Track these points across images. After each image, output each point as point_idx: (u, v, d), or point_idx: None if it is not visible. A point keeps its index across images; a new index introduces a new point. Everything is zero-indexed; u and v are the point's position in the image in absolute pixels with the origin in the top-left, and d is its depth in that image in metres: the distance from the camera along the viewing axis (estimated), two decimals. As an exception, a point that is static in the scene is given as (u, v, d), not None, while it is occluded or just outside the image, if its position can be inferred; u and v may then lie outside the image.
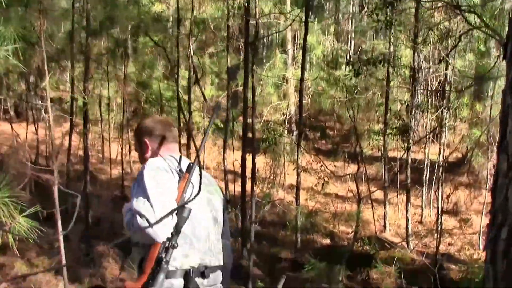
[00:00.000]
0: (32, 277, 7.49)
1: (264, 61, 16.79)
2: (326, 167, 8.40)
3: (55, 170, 6.57)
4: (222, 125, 14.02)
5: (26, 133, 13.67)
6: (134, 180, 2.86)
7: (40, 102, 15.28)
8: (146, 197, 2.68)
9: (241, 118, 11.73)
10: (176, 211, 2.65)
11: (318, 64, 14.94)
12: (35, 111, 14.22)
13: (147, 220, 2.59)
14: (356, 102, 10.64)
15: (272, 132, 8.90)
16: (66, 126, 13.62)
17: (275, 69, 14.92)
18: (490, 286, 3.29)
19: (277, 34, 16.27)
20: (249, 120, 8.37)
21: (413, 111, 10.60)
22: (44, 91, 11.50)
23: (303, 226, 9.91)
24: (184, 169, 2.86)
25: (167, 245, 2.61)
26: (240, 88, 16.99)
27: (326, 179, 8.33)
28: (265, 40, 24.98)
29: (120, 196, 12.25)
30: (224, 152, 12.69)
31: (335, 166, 8.93)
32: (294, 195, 9.98)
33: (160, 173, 2.80)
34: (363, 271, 8.43)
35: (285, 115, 14.59)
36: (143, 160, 3.04)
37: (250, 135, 8.82)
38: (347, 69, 11.44)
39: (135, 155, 14.79)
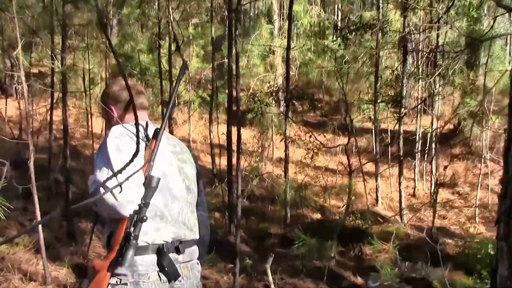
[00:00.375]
0: (11, 256, 7.23)
1: (250, 32, 16.34)
2: (316, 138, 8.00)
3: (30, 144, 6.14)
4: (208, 98, 13.70)
5: (6, 108, 13.27)
6: (98, 150, 2.65)
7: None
8: (110, 167, 2.47)
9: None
10: (143, 182, 2.49)
11: (305, 33, 14.54)
12: (19, 87, 13.91)
13: (111, 192, 2.36)
14: (344, 72, 10.24)
15: (258, 103, 8.48)
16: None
17: (261, 39, 14.50)
18: (505, 264, 2.90)
19: (263, 2, 15.86)
20: (234, 92, 7.98)
21: (404, 80, 10.22)
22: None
23: (293, 200, 9.61)
24: (151, 136, 2.67)
25: (135, 218, 2.45)
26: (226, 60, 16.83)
27: (315, 150, 7.96)
28: (251, 13, 24.61)
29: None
30: (210, 125, 12.36)
31: (324, 137, 8.55)
32: (283, 169, 9.65)
33: (124, 140, 2.58)
34: (355, 246, 8.13)
35: (272, 87, 14.22)
36: (109, 127, 2.77)
37: (235, 107, 8.49)
38: (335, 36, 11.04)
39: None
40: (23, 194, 7.76)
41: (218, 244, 7.57)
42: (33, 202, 6.09)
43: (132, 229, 2.44)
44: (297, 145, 8.93)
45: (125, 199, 2.40)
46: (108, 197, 2.39)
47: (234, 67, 7.76)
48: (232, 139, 8.90)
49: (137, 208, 2.45)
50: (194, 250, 2.79)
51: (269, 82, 14.64)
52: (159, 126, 2.75)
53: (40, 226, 6.15)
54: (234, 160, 11.53)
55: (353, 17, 16.53)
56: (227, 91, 8.98)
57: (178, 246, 2.63)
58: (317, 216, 10.03)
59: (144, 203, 2.45)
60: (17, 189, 5.84)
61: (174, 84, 2.96)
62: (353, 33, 8.01)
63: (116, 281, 2.49)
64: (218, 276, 7.12)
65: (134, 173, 1.98)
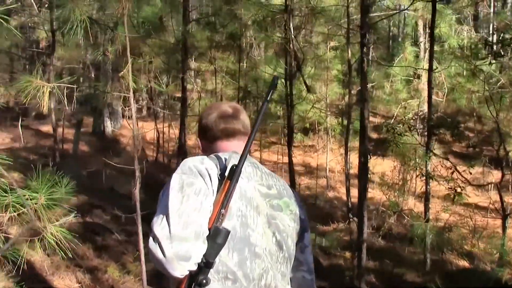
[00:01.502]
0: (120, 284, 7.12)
1: (394, 55, 15.39)
2: (460, 173, 6.86)
3: (136, 170, 5.74)
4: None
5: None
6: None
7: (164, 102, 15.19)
8: (166, 213, 1.91)
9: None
10: (208, 234, 1.90)
11: (452, 55, 13.28)
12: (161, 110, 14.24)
13: (160, 244, 1.84)
14: (498, 97, 8.94)
15: (392, 131, 7.52)
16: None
17: (404, 62, 13.45)
18: None
19: (403, 24, 14.83)
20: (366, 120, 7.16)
21: None
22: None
23: (434, 243, 8.43)
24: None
25: (193, 281, 1.89)
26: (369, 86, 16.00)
27: (459, 189, 6.83)
28: (393, 34, 23.52)
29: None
30: (346, 155, 11.53)
31: (470, 173, 7.35)
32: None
33: (191, 179, 2.00)
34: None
35: (417, 114, 13.10)
36: None
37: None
38: (484, 52, 9.73)
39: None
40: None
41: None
42: (137, 232, 5.71)
43: None
44: (436, 181, 7.80)
45: (176, 254, 1.83)
46: (155, 249, 1.85)
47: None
48: (367, 170, 7.99)
49: (193, 268, 1.87)
50: None
51: (413, 109, 13.60)
52: (253, 161, 2.24)
53: (142, 257, 5.76)
54: (373, 193, 10.64)
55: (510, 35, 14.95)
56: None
57: None
58: (464, 263, 8.74)
59: (206, 262, 1.87)
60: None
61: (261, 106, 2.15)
62: (508, 48, 6.82)
63: None
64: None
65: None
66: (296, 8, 10.16)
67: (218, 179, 2.03)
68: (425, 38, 14.84)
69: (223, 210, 1.93)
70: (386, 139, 8.27)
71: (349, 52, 11.26)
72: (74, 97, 13.25)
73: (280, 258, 2.12)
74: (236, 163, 2.00)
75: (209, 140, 2.30)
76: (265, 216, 2.10)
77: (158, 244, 1.84)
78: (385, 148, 8.50)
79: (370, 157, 7.78)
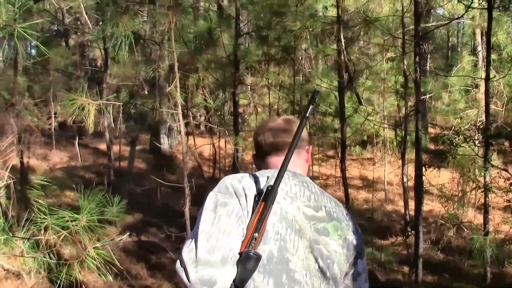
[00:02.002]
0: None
1: (453, 65, 15.07)
2: (517, 185, 6.68)
3: (186, 188, 5.82)
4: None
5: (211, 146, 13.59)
6: None
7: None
8: (196, 234, 1.82)
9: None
10: (238, 258, 1.79)
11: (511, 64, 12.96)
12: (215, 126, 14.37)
13: (185, 267, 1.76)
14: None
15: (448, 142, 7.39)
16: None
17: (462, 72, 13.18)
18: None
19: (461, 34, 14.54)
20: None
21: None
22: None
23: (494, 256, 8.19)
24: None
25: None
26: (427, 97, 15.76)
27: (517, 202, 6.65)
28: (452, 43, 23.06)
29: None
30: (402, 167, 11.38)
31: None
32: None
33: (226, 199, 1.91)
34: None
35: (475, 124, 12.80)
36: None
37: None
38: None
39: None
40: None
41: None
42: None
43: None
44: (493, 192, 7.59)
45: (200, 279, 1.74)
46: (181, 273, 1.78)
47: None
48: (422, 183, 7.86)
49: None
50: None
51: (471, 120, 13.30)
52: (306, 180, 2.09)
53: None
54: (431, 206, 10.41)
55: None
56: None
57: None
58: (526, 277, 8.49)
59: None
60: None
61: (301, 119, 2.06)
62: None
63: None
64: None
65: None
66: (350, 19, 10.13)
67: (255, 199, 1.92)
68: (483, 47, 14.52)
69: (256, 234, 1.83)
70: (443, 150, 8.10)
71: (405, 62, 11.14)
72: (121, 114, 13.50)
73: (323, 286, 1.98)
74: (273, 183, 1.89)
75: (260, 157, 2.22)
76: (307, 240, 1.97)
77: (184, 268, 1.78)
78: (442, 160, 8.32)
79: (426, 169, 7.63)
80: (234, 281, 1.77)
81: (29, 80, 19.18)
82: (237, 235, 1.83)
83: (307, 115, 1.99)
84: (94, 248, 3.89)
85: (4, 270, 7.32)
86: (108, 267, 4.06)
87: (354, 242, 2.08)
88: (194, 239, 1.82)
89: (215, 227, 1.82)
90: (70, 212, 3.72)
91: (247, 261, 1.78)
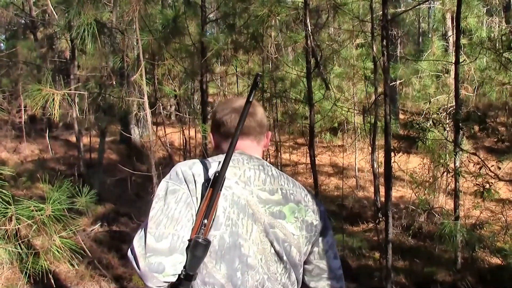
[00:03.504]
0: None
1: (424, 50, 15.05)
2: (489, 169, 6.60)
3: (153, 176, 5.68)
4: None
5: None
6: None
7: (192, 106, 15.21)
8: (146, 222, 1.88)
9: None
10: (186, 246, 1.85)
11: (481, 48, 12.95)
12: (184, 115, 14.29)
13: (135, 254, 1.82)
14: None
15: (417, 127, 7.29)
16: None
17: (432, 57, 13.13)
18: None
19: (432, 19, 14.50)
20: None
21: None
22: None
23: (465, 240, 8.16)
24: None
25: None
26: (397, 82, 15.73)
27: (488, 185, 6.55)
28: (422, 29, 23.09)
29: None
30: (372, 153, 11.29)
31: (499, 168, 7.05)
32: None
33: (175, 186, 1.94)
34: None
35: (445, 109, 12.78)
36: None
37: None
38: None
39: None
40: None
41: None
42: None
43: None
44: (462, 177, 7.54)
45: (149, 267, 1.79)
46: (132, 261, 1.84)
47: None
48: (390, 169, 7.75)
49: (173, 279, 1.82)
50: None
51: (443, 105, 13.29)
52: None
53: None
54: (403, 193, 10.33)
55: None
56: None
57: None
58: (496, 260, 8.44)
59: (185, 275, 1.81)
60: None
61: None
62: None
63: None
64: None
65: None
66: (319, 5, 9.98)
67: (204, 185, 1.92)
68: (453, 31, 14.50)
69: (205, 220, 1.84)
70: (412, 136, 8.02)
71: (374, 48, 11.02)
72: (88, 105, 13.30)
73: (280, 269, 2.00)
74: (221, 168, 1.88)
75: (222, 136, 2.16)
76: (262, 225, 1.97)
77: (134, 256, 1.82)
78: (411, 145, 8.25)
79: (395, 155, 7.53)
80: (185, 267, 1.81)
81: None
82: (186, 222, 1.85)
83: (250, 99, 1.91)
84: (59, 237, 3.77)
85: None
86: (75, 256, 4.00)
87: (315, 222, 2.07)
88: (144, 228, 1.87)
89: (164, 214, 1.85)
90: (35, 202, 3.61)
91: (196, 247, 1.81)
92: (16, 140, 17.69)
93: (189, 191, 1.91)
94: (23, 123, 17.77)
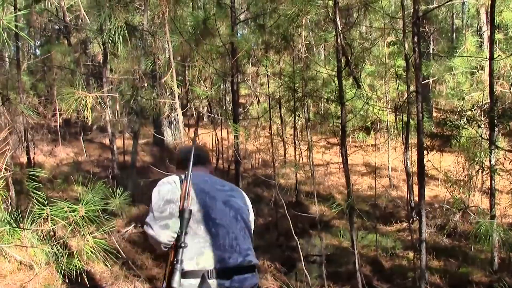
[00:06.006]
0: None
1: (458, 47, 14.80)
2: (524, 167, 6.44)
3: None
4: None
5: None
6: None
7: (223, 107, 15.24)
8: (151, 209, 3.11)
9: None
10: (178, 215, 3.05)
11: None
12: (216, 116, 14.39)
13: (149, 225, 3.06)
14: None
15: (451, 124, 7.16)
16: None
17: (466, 53, 12.89)
18: None
19: (466, 16, 14.21)
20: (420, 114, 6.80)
21: None
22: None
23: (502, 240, 7.97)
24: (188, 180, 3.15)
25: (177, 245, 2.94)
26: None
27: (522, 183, 6.40)
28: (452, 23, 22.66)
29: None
30: (405, 152, 11.13)
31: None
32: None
33: (163, 187, 3.18)
34: None
35: (481, 106, 12.54)
36: None
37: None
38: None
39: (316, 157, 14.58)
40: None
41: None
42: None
43: (176, 255, 2.91)
44: (498, 175, 7.36)
45: (160, 226, 3.02)
46: (148, 229, 3.07)
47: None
48: (423, 167, 7.60)
49: (173, 236, 2.99)
50: (247, 278, 3.03)
51: (477, 102, 13.03)
52: (206, 175, 3.44)
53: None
54: (436, 192, 10.09)
55: None
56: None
57: (224, 272, 2.95)
58: (534, 261, 8.25)
59: (181, 232, 2.96)
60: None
61: None
62: None
63: None
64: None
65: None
66: (349, 3, 9.86)
67: (181, 182, 3.16)
68: (488, 26, 14.22)
69: (186, 201, 3.02)
70: (446, 134, 7.89)
71: (406, 45, 10.87)
72: (120, 107, 13.41)
73: (238, 226, 3.16)
74: (198, 175, 3.27)
75: (182, 168, 3.32)
76: (221, 200, 3.18)
77: (149, 225, 3.06)
78: (446, 143, 8.12)
79: (428, 153, 7.40)
80: (179, 227, 2.98)
81: (33, 78, 19.33)
82: (175, 201, 3.07)
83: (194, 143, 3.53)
84: (92, 237, 3.95)
85: (17, 262, 7.47)
86: (110, 256, 4.18)
87: (247, 200, 3.43)
88: (150, 211, 3.10)
89: (160, 199, 3.11)
90: (69, 203, 3.70)
91: (184, 214, 2.99)
92: (52, 143, 17.92)
93: (172, 187, 3.14)
94: (58, 126, 18.03)
